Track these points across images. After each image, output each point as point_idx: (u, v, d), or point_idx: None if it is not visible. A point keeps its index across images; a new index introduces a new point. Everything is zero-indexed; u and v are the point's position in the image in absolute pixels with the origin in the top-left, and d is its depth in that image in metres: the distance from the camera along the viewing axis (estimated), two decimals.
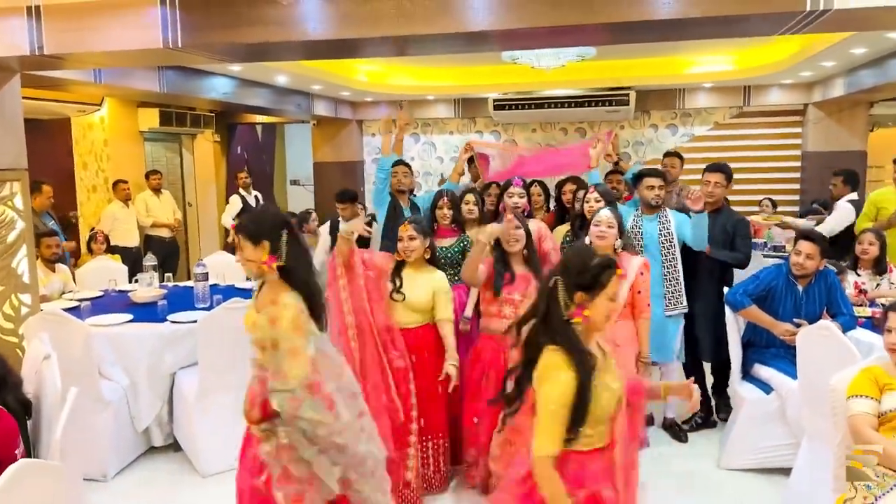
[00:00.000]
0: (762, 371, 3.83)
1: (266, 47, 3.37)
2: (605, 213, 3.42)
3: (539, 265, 3.47)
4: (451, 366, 3.31)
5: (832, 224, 5.59)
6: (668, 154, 5.63)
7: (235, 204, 8.06)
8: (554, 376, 1.97)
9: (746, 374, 3.94)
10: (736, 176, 8.51)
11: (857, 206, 5.41)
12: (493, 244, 3.44)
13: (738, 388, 3.86)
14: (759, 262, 5.66)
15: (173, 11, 3.20)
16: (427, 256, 3.48)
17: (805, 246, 3.78)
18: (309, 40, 3.22)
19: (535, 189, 4.88)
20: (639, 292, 3.40)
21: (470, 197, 4.33)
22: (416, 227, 3.43)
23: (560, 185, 5.06)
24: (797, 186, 8.75)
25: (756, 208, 8.10)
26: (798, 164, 8.64)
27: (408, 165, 4.83)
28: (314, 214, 6.98)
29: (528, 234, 3.47)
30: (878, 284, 4.49)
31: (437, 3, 2.99)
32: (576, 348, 2.00)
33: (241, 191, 8.26)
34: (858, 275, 4.52)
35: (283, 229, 2.37)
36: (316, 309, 2.39)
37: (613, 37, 3.17)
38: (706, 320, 4.27)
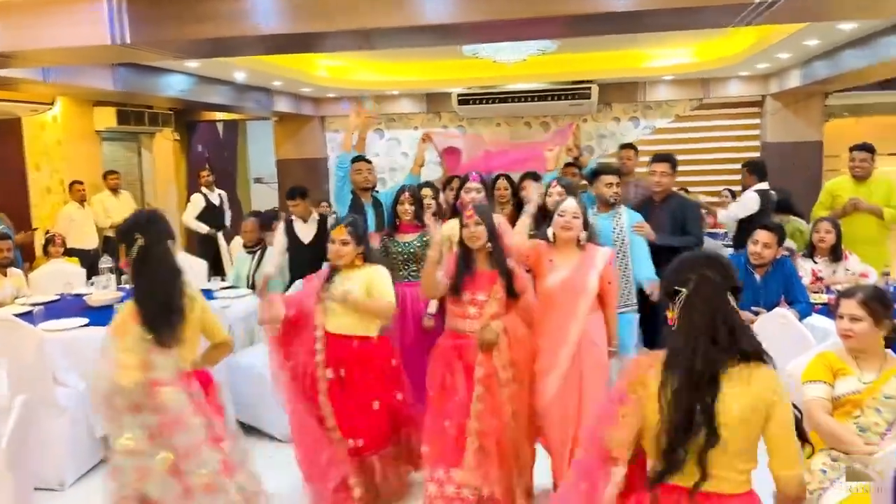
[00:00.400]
0: None
1: (219, 43, 3.32)
2: (571, 204, 3.31)
3: (505, 262, 3.26)
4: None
5: (734, 210, 5.69)
6: (623, 146, 5.68)
7: (197, 203, 7.93)
8: (782, 393, 1.79)
9: None
10: (697, 167, 8.84)
11: (766, 196, 5.47)
12: (456, 240, 3.31)
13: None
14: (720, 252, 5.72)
15: (120, 6, 3.12)
16: (359, 263, 3.28)
17: (762, 235, 3.85)
18: (263, 35, 3.18)
19: (502, 182, 4.79)
20: (609, 283, 3.30)
21: (427, 191, 4.31)
22: (350, 231, 3.23)
23: (520, 181, 5.05)
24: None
25: (717, 199, 8.22)
26: (758, 154, 8.78)
27: (369, 161, 4.78)
28: (283, 214, 6.90)
29: (492, 229, 3.27)
30: (834, 271, 4.58)
31: None
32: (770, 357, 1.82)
33: (203, 189, 8.13)
34: (815, 262, 4.60)
35: (139, 234, 2.37)
36: (151, 320, 2.44)
37: (571, 30, 3.19)
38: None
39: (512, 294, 3.19)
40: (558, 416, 3.13)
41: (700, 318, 1.84)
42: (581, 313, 3.12)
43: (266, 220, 6.46)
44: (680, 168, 8.73)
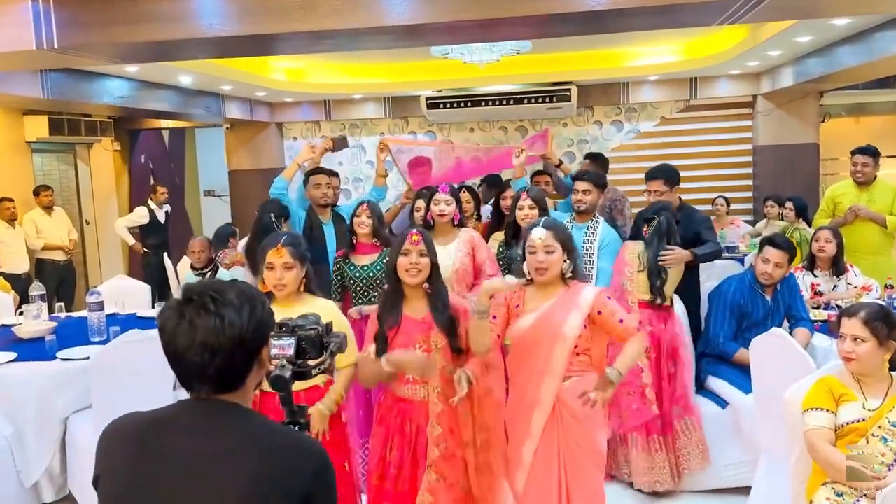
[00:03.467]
0: (716, 384, 3.90)
1: (159, 46, 3.27)
2: (540, 234, 2.75)
3: (446, 305, 2.79)
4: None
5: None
6: (587, 156, 5.70)
7: (140, 215, 7.82)
8: None
9: (700, 387, 3.99)
10: (686, 173, 8.77)
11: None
12: (388, 272, 2.86)
13: (692, 402, 3.91)
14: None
15: (47, 7, 3.05)
16: (302, 288, 2.88)
17: (773, 254, 3.82)
18: (208, 37, 3.13)
19: (464, 195, 4.75)
20: (620, 321, 2.74)
21: (421, 203, 4.24)
22: (293, 252, 2.80)
23: (500, 192, 5.05)
24: (750, 182, 9.00)
25: (709, 207, 8.29)
26: (750, 158, 8.89)
27: (330, 174, 4.70)
28: (235, 230, 6.80)
29: (434, 263, 2.81)
30: (835, 286, 4.59)
31: None
32: None
33: (150, 203, 8.02)
34: (815, 275, 4.62)
35: None
36: None
37: (544, 30, 3.19)
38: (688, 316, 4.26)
39: (455, 349, 2.77)
40: None
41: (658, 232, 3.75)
42: (557, 366, 2.69)
43: (221, 238, 6.35)
44: None
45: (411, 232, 2.80)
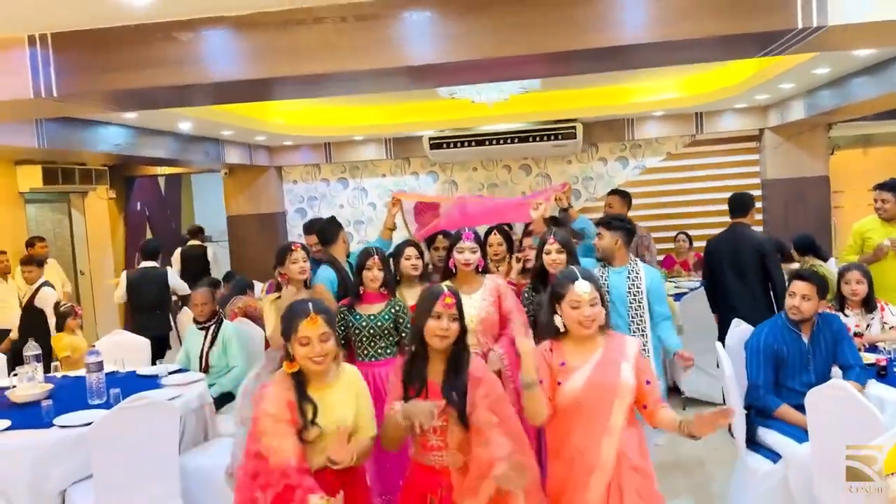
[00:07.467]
0: (768, 436, 3.64)
1: (163, 93, 3.07)
2: (586, 289, 2.61)
3: (460, 374, 2.58)
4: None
5: None
6: (611, 193, 5.59)
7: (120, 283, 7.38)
8: None
9: (751, 442, 3.73)
10: (692, 209, 8.78)
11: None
12: (413, 333, 2.67)
13: (744, 458, 3.64)
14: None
15: (45, 53, 2.85)
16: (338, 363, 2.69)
17: (800, 287, 3.67)
18: (216, 82, 2.94)
19: (495, 238, 4.51)
20: (647, 381, 2.66)
21: (411, 251, 4.07)
22: (326, 319, 2.56)
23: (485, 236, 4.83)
24: (760, 217, 8.84)
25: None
26: (759, 192, 8.74)
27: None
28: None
29: (463, 327, 2.63)
30: (868, 325, 4.41)
31: (368, 33, 2.75)
32: None
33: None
34: (847, 315, 4.44)
35: None
36: None
37: (580, 66, 3.02)
38: None
39: (463, 421, 2.54)
40: None
41: None
42: (616, 423, 2.55)
43: (239, 289, 6.11)
44: (675, 210, 8.83)
45: (444, 293, 2.59)
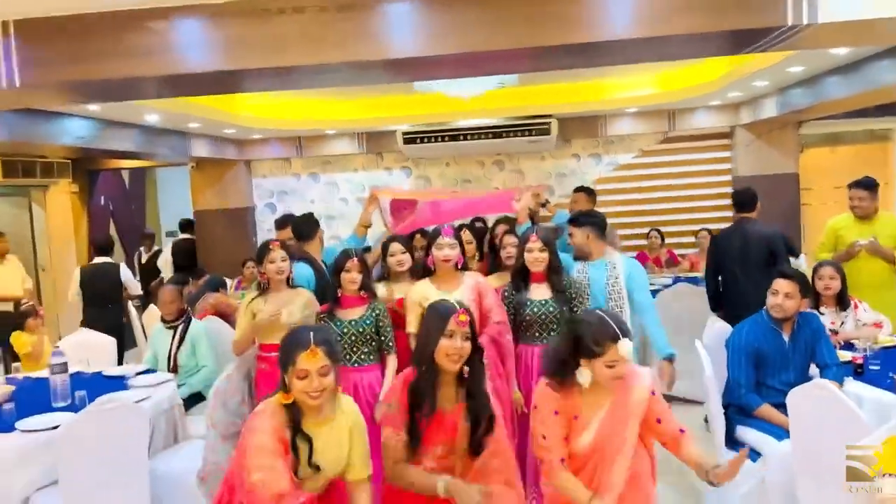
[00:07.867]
0: (747, 434, 3.63)
1: (133, 83, 2.95)
2: (629, 348, 2.43)
3: (486, 395, 2.49)
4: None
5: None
6: (576, 190, 5.63)
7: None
8: None
9: (729, 440, 3.72)
10: (665, 206, 8.82)
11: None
12: (421, 353, 2.50)
13: (723, 456, 3.64)
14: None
15: (7, 41, 2.72)
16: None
17: (782, 284, 3.67)
18: (190, 73, 2.82)
19: (465, 235, 4.52)
20: (658, 420, 2.55)
21: (396, 247, 3.98)
22: (327, 351, 2.36)
23: (492, 228, 4.83)
24: (731, 214, 8.89)
25: (694, 239, 8.19)
26: (730, 189, 8.81)
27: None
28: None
29: (476, 345, 2.49)
30: (842, 322, 4.45)
31: (350, 24, 2.67)
32: None
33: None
34: (821, 313, 4.46)
35: None
36: None
37: (570, 60, 2.98)
38: None
39: (476, 450, 2.47)
40: None
41: None
42: (616, 482, 2.44)
43: (212, 287, 6.00)
44: (647, 207, 8.85)
45: (458, 310, 2.46)
